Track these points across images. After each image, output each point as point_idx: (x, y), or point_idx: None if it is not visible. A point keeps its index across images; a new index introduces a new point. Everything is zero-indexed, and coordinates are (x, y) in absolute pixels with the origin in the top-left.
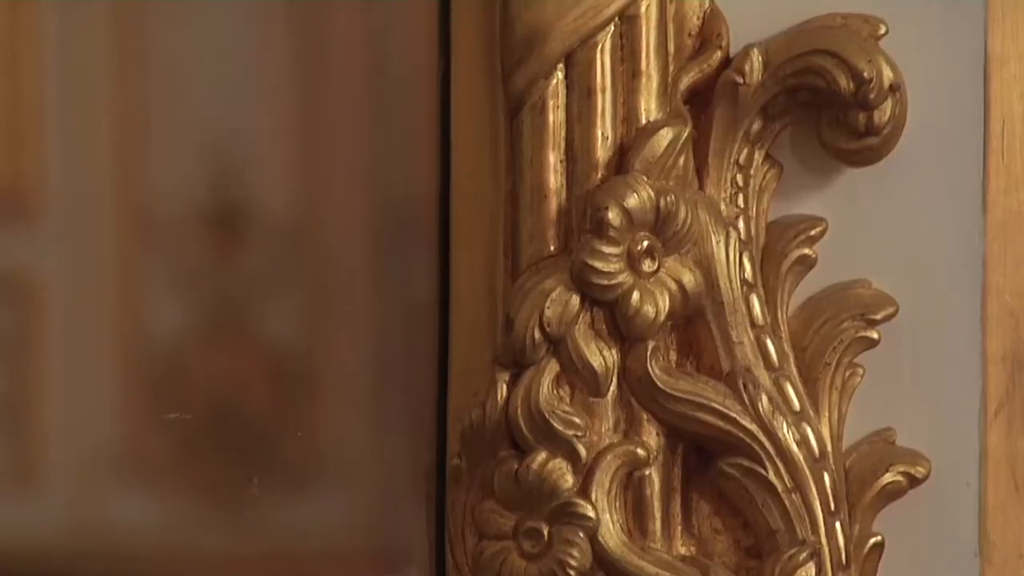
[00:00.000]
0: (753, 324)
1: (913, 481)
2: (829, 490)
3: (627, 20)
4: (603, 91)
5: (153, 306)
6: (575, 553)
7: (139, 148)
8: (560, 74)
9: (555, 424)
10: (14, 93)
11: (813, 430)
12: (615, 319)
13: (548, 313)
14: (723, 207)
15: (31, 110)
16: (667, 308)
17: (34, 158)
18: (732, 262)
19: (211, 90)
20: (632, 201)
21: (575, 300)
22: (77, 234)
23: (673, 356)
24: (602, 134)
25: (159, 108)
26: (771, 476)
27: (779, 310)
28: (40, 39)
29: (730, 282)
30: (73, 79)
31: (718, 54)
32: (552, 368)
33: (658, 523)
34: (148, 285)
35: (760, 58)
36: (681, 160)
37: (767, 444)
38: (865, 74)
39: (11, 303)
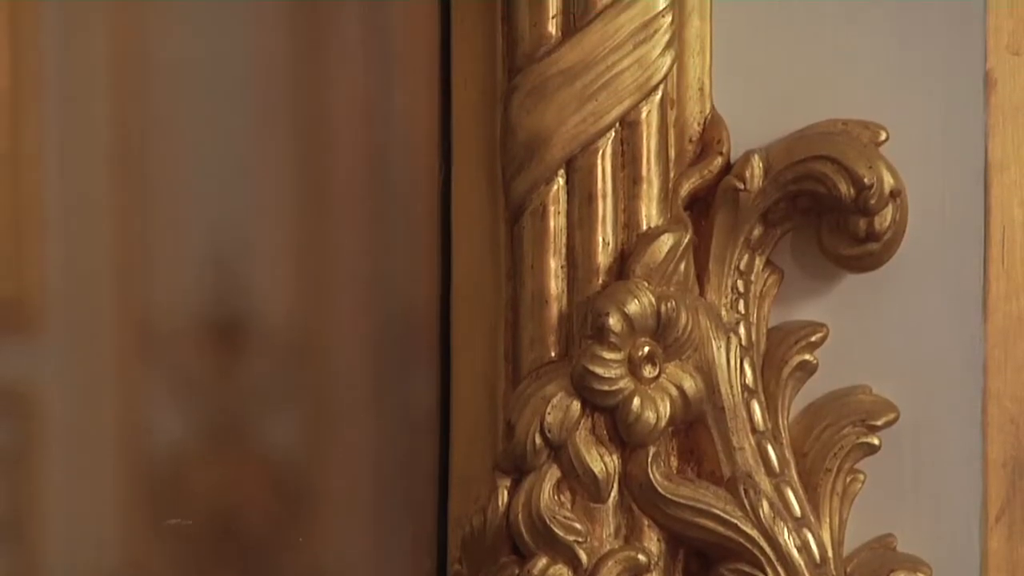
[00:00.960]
0: (754, 430)
1: None
2: None
3: (628, 126)
4: (604, 197)
5: (154, 419)
6: None
7: (139, 260)
8: (561, 180)
9: (556, 530)
10: (15, 206)
11: (814, 536)
12: (616, 425)
13: (549, 419)
14: (724, 313)
15: (32, 222)
16: (668, 414)
17: (35, 270)
18: (733, 368)
19: (212, 202)
20: (633, 307)
21: (576, 406)
22: (77, 346)
23: (674, 462)
24: (603, 240)
25: (160, 221)
26: None
27: (780, 416)
28: (41, 152)
29: (731, 388)
30: (75, 191)
31: (719, 160)
32: (553, 474)
33: None
34: (148, 397)
35: (761, 164)
36: (682, 266)
37: (768, 550)
38: (866, 180)
39: (11, 415)
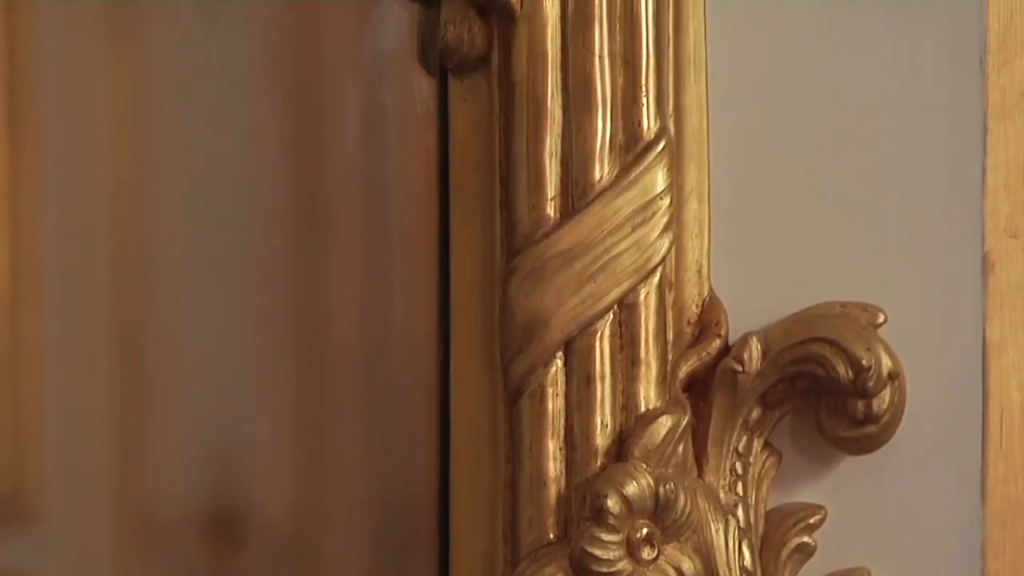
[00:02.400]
0: None
1: None
2: None
3: (626, 308)
4: (602, 379)
5: None
6: None
7: (138, 453)
8: (559, 361)
9: None
10: (15, 399)
11: None
12: None
13: None
14: (722, 495)
15: (32, 414)
16: None
17: (34, 462)
18: (731, 550)
19: (211, 394)
20: (631, 489)
21: None
22: (77, 538)
23: None
24: (601, 421)
25: (159, 412)
26: None
27: None
28: (41, 342)
29: (729, 570)
30: (74, 383)
31: (717, 342)
32: None
33: None
34: None
35: (759, 346)
36: (680, 448)
37: None
38: (864, 362)
39: None
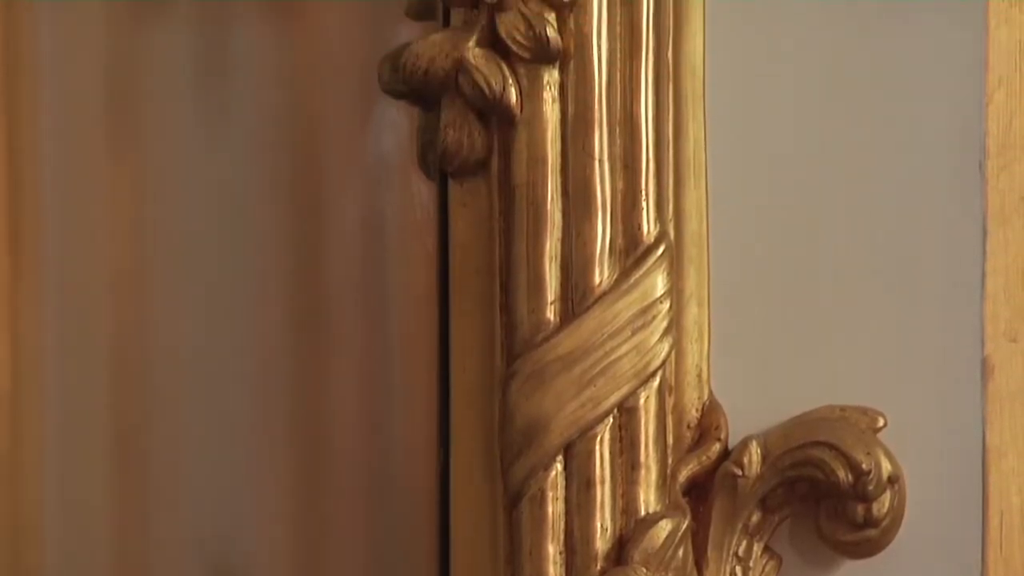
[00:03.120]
0: None
1: None
2: None
3: (626, 412)
4: (602, 482)
5: None
6: None
7: (137, 551)
8: (559, 465)
9: None
10: (15, 498)
11: None
12: None
13: None
14: None
15: (32, 512)
16: None
17: (34, 559)
18: None
19: (211, 494)
20: None
21: None
22: None
23: None
24: (601, 525)
25: (159, 537)
26: None
27: None
28: (41, 473)
29: None
30: (74, 481)
31: (717, 446)
32: None
33: None
34: None
35: (759, 450)
36: (680, 552)
37: None
38: (863, 466)
39: None
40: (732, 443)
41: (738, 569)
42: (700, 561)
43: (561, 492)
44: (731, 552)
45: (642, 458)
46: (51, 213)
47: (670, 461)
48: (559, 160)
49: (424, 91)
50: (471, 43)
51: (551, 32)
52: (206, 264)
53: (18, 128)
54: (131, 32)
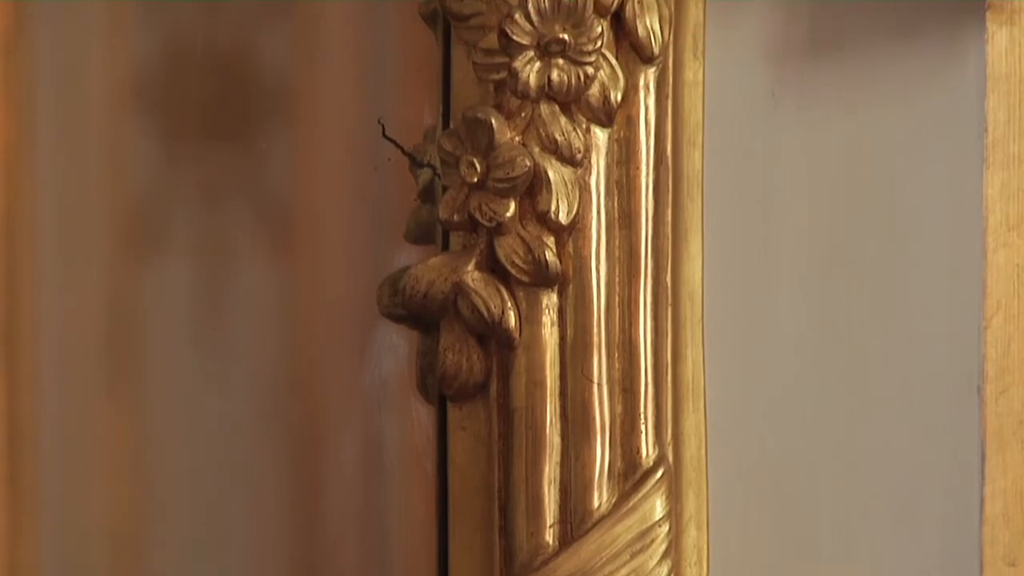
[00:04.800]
0: None
1: None
2: None
3: None
4: None
5: None
6: None
7: None
8: None
9: None
10: None
11: None
12: None
13: None
14: None
15: None
16: None
17: None
18: None
19: None
20: None
21: None
22: None
23: None
24: None
25: None
26: None
27: None
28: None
29: None
30: None
31: None
32: None
33: None
34: None
35: None
36: None
37: None
38: None
39: None
40: None
41: None
42: None
43: None
44: None
45: None
46: (49, 458)
47: None
48: (558, 383)
49: (423, 314)
50: (470, 267)
51: (550, 256)
52: (206, 495)
53: (17, 382)
54: (130, 270)
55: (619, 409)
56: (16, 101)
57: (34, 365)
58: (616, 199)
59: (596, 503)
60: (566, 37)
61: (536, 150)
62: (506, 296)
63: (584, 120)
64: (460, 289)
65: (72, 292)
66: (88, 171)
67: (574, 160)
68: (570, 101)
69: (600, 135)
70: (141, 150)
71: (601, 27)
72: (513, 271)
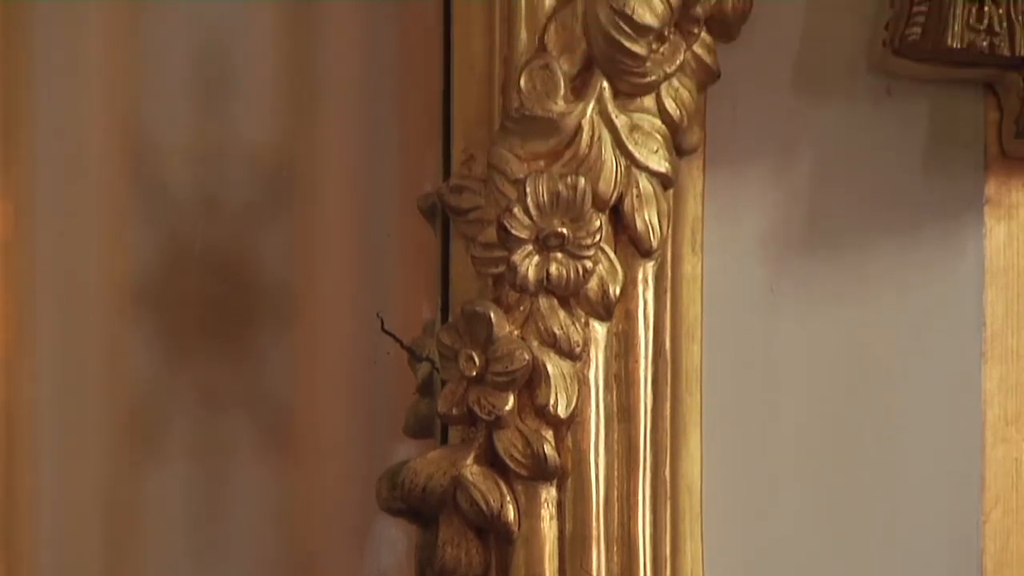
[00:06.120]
0: None
1: None
2: None
3: None
4: None
5: None
6: None
7: None
8: None
9: None
10: None
11: None
12: None
13: None
14: None
15: None
16: None
17: None
18: None
19: None
20: None
21: None
22: None
23: None
24: None
25: None
26: None
27: None
28: None
29: None
30: None
31: None
32: None
33: None
34: None
35: None
36: None
37: None
38: None
39: None
40: None
41: None
42: None
43: None
44: None
45: None
46: None
47: None
48: None
49: (422, 508)
50: (469, 460)
51: (549, 450)
52: None
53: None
54: (129, 468)
55: None
56: (16, 300)
57: (33, 564)
58: (615, 393)
59: None
60: (565, 231)
61: (535, 344)
62: (505, 490)
63: (583, 314)
64: (459, 483)
65: (71, 490)
66: (87, 370)
67: (573, 354)
68: (569, 295)
69: (599, 329)
70: (140, 350)
71: (600, 221)
72: (512, 465)
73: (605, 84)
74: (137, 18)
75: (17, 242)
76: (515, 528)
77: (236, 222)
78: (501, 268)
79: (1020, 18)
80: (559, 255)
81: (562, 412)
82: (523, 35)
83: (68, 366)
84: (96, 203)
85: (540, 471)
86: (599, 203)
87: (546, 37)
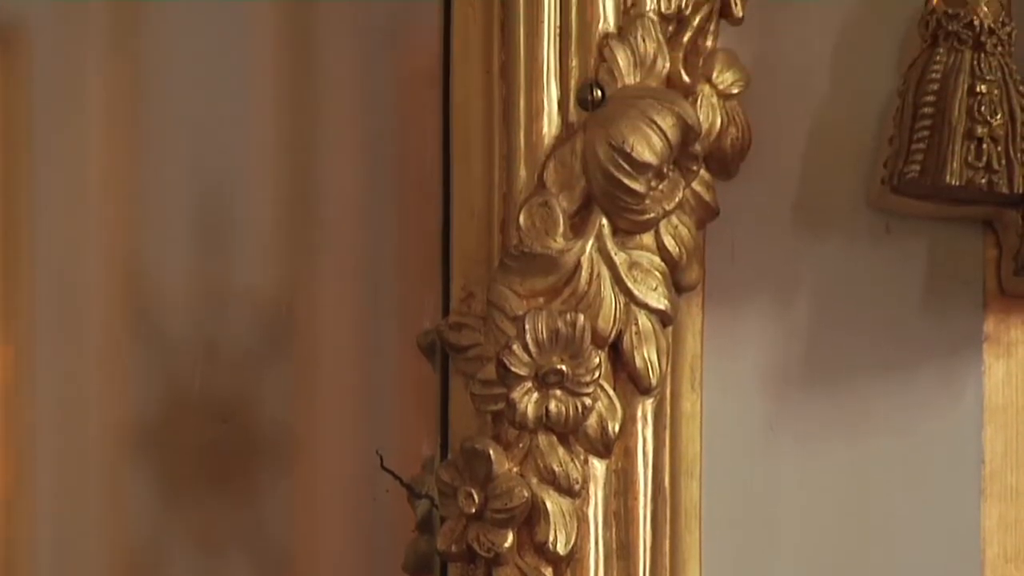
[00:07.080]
0: None
1: None
2: None
3: None
4: None
5: None
6: None
7: None
8: None
9: None
10: None
11: None
12: None
13: None
14: None
15: None
16: None
17: None
18: None
19: None
20: None
21: None
22: None
23: None
24: None
25: None
26: None
27: None
28: None
29: None
30: None
31: None
32: None
33: None
34: None
35: None
36: None
37: None
38: None
39: None
40: None
41: None
42: None
43: None
44: None
45: None
46: None
47: None
48: None
49: None
50: None
51: None
52: None
53: None
54: None
55: None
56: (16, 443)
57: None
58: (614, 530)
59: None
60: (564, 368)
61: (534, 481)
62: None
63: (582, 451)
64: None
65: None
66: (87, 513)
67: (572, 491)
68: (568, 432)
69: (598, 466)
70: (140, 492)
71: (599, 358)
72: None
73: (604, 221)
74: (137, 161)
75: (17, 386)
76: None
77: (235, 364)
78: (500, 405)
79: (1019, 156)
80: (558, 392)
81: (561, 549)
82: (522, 172)
83: (68, 509)
84: (96, 347)
85: None
86: (598, 340)
87: (545, 174)
